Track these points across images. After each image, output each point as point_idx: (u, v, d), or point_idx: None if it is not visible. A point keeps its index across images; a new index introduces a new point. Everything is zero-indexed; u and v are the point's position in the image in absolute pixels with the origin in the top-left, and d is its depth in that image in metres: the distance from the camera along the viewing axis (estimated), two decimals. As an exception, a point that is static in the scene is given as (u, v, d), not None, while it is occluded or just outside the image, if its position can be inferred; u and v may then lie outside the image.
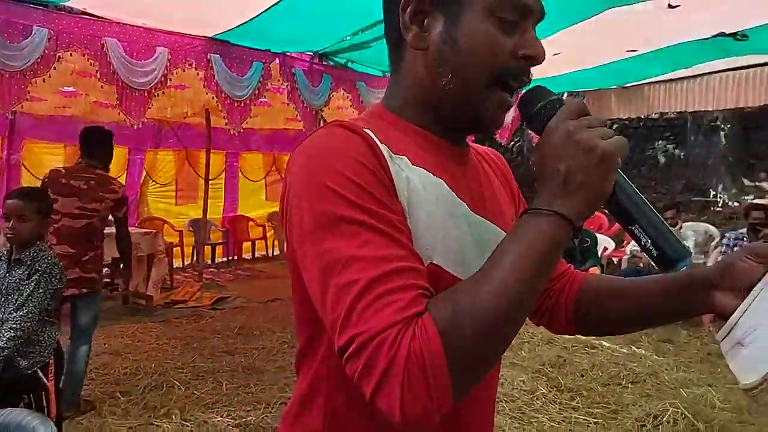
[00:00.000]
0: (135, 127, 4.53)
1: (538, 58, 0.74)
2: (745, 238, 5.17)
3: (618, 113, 8.22)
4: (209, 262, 8.45)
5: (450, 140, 0.81)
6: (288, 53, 5.28)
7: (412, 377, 0.56)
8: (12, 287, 2.23)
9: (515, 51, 0.73)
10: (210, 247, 8.51)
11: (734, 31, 4.97)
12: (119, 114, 4.41)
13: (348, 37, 5.02)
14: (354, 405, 0.73)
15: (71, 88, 6.20)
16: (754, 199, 8.66)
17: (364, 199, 0.64)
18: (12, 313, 2.17)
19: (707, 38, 5.18)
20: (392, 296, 0.59)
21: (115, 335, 4.89)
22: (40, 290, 2.21)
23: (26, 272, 2.22)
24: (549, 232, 0.66)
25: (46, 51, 3.97)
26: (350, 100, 5.79)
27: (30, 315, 2.17)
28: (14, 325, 2.13)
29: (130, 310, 5.91)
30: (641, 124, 11.27)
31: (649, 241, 0.71)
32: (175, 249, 7.82)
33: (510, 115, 7.73)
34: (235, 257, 9.19)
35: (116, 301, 6.05)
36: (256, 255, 9.39)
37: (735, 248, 5.18)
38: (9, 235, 2.22)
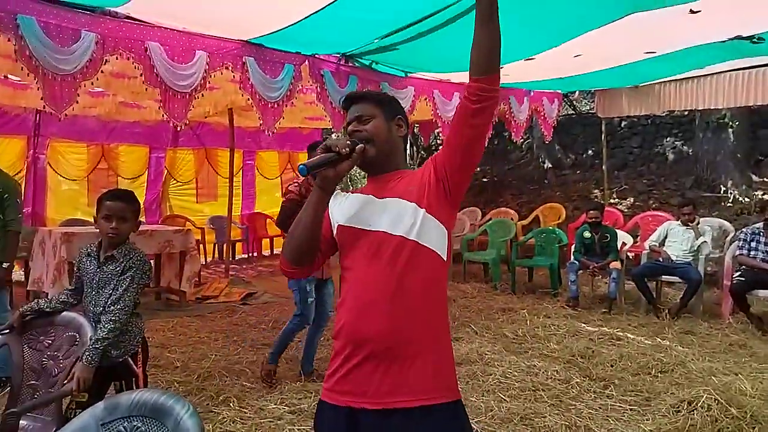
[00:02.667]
0: (178, 129, 4.67)
1: (351, 132, 1.60)
2: (762, 233, 5.34)
3: (628, 111, 8.40)
4: (230, 258, 8.60)
5: (372, 175, 1.64)
6: (317, 55, 5.44)
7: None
8: (104, 282, 2.39)
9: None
10: (230, 244, 8.66)
11: (751, 34, 5.13)
12: (163, 116, 4.54)
13: (376, 40, 5.16)
14: None
15: (100, 89, 6.32)
16: (763, 194, 8.84)
17: None
18: (110, 307, 2.34)
19: (724, 41, 5.34)
20: None
21: (156, 329, 5.05)
22: (134, 285, 2.37)
23: (119, 268, 2.38)
24: (315, 193, 1.50)
25: (94, 54, 4.11)
26: (375, 100, 5.94)
27: (126, 308, 2.33)
28: (113, 317, 2.29)
29: (164, 305, 6.08)
30: (649, 121, 11.43)
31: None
32: (199, 246, 7.97)
33: (524, 115, 7.91)
34: (255, 254, 9.36)
35: (148, 297, 6.21)
36: (274, 251, 9.56)
37: (752, 243, 5.35)
38: (111, 235, 2.38)
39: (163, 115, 4.58)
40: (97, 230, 2.45)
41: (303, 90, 5.93)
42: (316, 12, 4.21)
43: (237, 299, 6.35)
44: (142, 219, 2.90)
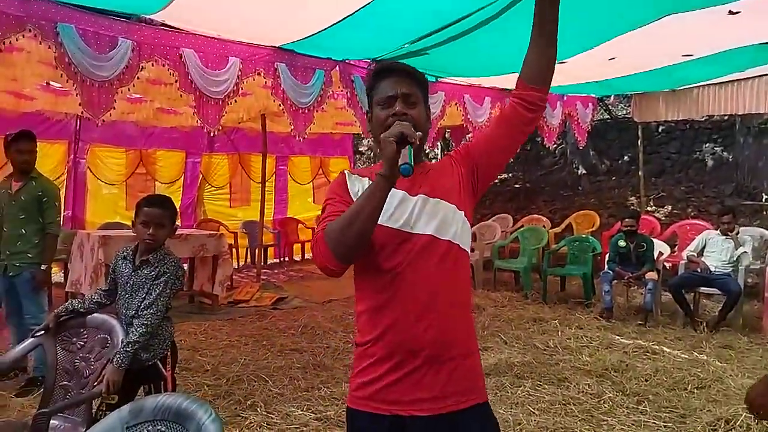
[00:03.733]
0: (212, 134, 4.75)
1: (398, 114, 1.45)
2: None
3: (665, 115, 8.19)
4: (262, 263, 8.69)
5: None
6: (347, 60, 5.47)
7: (316, 248, 1.40)
8: (138, 285, 2.43)
9: (390, 115, 1.46)
10: (263, 248, 8.76)
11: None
12: (197, 122, 4.63)
13: (406, 45, 5.14)
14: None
15: (138, 95, 6.47)
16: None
17: (331, 194, 1.51)
18: (143, 310, 2.38)
19: (764, 43, 5.16)
20: (323, 224, 1.41)
21: (189, 332, 5.13)
22: (167, 290, 2.41)
23: (153, 273, 2.42)
24: (377, 183, 1.34)
25: (131, 61, 4.21)
26: (406, 106, 5.93)
27: (158, 313, 2.37)
28: (145, 321, 2.33)
29: (197, 308, 6.18)
30: (687, 126, 11.12)
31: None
32: (231, 250, 8.09)
33: (557, 120, 7.79)
34: (286, 258, 9.44)
35: (181, 300, 6.32)
36: (305, 256, 9.63)
37: None
38: (148, 241, 2.42)
39: (197, 121, 4.66)
40: (134, 233, 2.50)
41: (333, 96, 5.98)
42: (346, 17, 4.24)
43: (268, 304, 6.40)
44: (178, 223, 2.94)
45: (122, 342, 2.29)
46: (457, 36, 4.74)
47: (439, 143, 12.37)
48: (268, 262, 9.08)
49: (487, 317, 5.96)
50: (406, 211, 1.44)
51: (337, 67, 5.36)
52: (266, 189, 8.87)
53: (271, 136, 8.93)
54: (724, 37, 5.03)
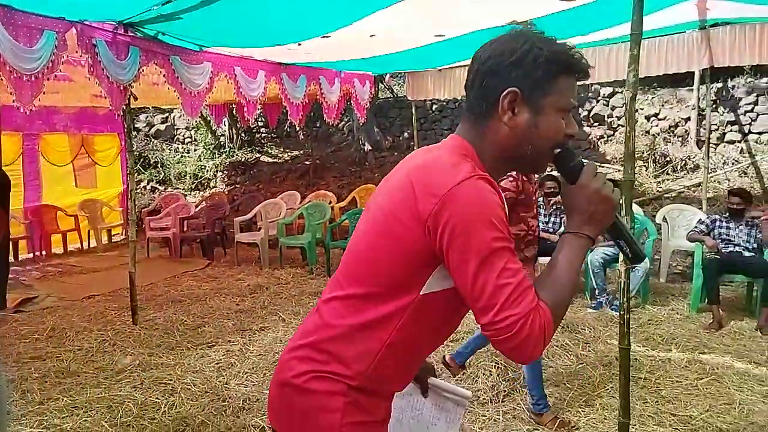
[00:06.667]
0: None
1: (575, 135, 1.19)
2: (724, 220, 5.14)
3: (434, 94, 8.73)
4: (11, 259, 7.40)
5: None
6: (86, 22, 4.77)
7: (539, 338, 1.02)
8: None
9: (566, 132, 1.16)
10: (11, 242, 7.45)
11: (524, 19, 5.55)
12: None
13: (155, 7, 4.63)
14: (409, 345, 1.16)
15: None
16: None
17: (503, 232, 1.05)
18: None
19: (503, 25, 5.71)
20: (526, 293, 1.02)
21: None
22: None
23: None
24: (584, 247, 1.13)
25: None
26: (164, 76, 5.43)
27: None
28: None
29: None
30: (456, 104, 12.16)
31: (628, 249, 1.17)
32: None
33: (335, 96, 7.87)
34: (43, 252, 8.19)
35: None
36: (69, 248, 8.46)
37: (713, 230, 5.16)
38: None
39: None
40: None
41: (82, 63, 5.22)
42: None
43: (10, 307, 5.45)
44: None
45: None
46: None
47: (225, 119, 11.83)
48: (19, 258, 7.79)
49: (267, 296, 5.84)
50: None
51: (74, 29, 4.64)
52: (13, 173, 7.60)
53: (15, 111, 7.61)
54: (470, 19, 5.43)
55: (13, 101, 4.33)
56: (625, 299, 2.39)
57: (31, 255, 8.07)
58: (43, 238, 8.26)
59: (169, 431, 2.99)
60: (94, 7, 4.58)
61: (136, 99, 5.50)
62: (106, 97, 4.94)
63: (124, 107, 5.08)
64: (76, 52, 4.71)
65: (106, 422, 3.07)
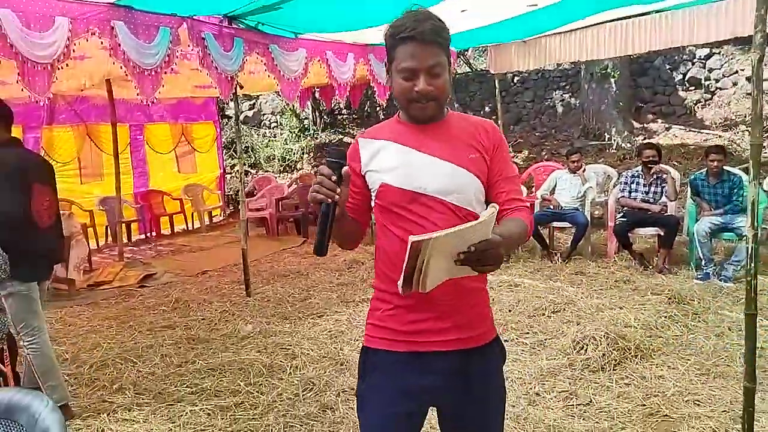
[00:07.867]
0: (41, 103, 4.23)
1: (421, 92, 1.39)
2: (640, 176, 5.73)
3: (518, 66, 8.64)
4: (126, 240, 8.10)
5: (415, 123, 1.49)
6: (195, 17, 5.10)
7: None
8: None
9: (414, 89, 1.39)
10: (125, 224, 8.15)
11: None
12: (22, 90, 4.09)
13: (256, -1, 4.89)
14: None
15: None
16: (644, 139, 9.50)
17: None
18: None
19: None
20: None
21: (42, 323, 4.68)
22: None
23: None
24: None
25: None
26: (265, 64, 5.71)
27: None
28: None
29: (51, 296, 5.63)
30: (539, 75, 11.87)
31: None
32: (87, 230, 7.45)
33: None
34: (153, 233, 8.89)
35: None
36: (175, 229, 9.13)
37: (632, 185, 5.72)
38: None
39: (22, 89, 4.13)
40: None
41: (187, 56, 5.59)
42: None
43: (134, 283, 6.01)
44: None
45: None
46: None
47: (309, 103, 12.19)
48: (133, 239, 8.50)
49: (365, 270, 6.08)
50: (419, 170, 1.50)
51: (185, 24, 4.98)
52: (123, 161, 8.24)
53: (123, 104, 8.24)
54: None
55: (137, 95, 4.73)
56: (752, 264, 2.36)
57: (143, 236, 8.78)
58: (153, 220, 8.95)
59: (298, 389, 3.26)
60: (201, 2, 4.90)
61: (242, 87, 5.83)
62: (215, 87, 5.27)
63: (233, 95, 5.41)
64: (188, 45, 5.06)
65: (241, 381, 3.40)
